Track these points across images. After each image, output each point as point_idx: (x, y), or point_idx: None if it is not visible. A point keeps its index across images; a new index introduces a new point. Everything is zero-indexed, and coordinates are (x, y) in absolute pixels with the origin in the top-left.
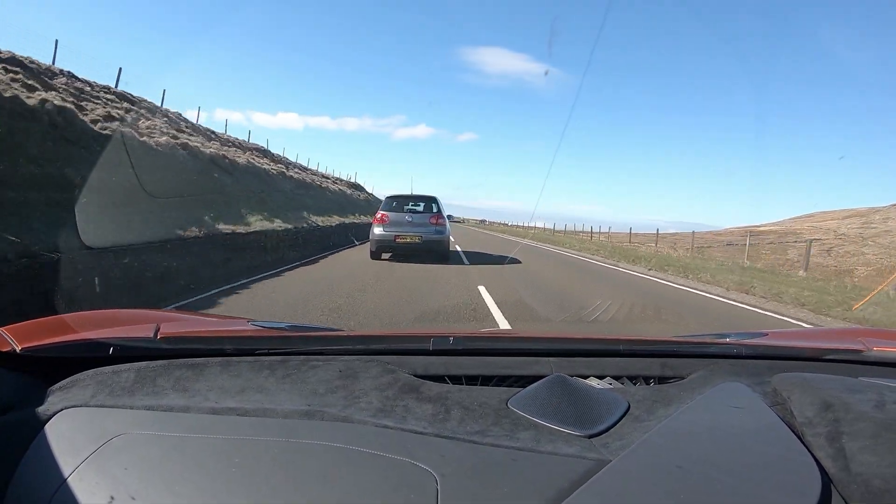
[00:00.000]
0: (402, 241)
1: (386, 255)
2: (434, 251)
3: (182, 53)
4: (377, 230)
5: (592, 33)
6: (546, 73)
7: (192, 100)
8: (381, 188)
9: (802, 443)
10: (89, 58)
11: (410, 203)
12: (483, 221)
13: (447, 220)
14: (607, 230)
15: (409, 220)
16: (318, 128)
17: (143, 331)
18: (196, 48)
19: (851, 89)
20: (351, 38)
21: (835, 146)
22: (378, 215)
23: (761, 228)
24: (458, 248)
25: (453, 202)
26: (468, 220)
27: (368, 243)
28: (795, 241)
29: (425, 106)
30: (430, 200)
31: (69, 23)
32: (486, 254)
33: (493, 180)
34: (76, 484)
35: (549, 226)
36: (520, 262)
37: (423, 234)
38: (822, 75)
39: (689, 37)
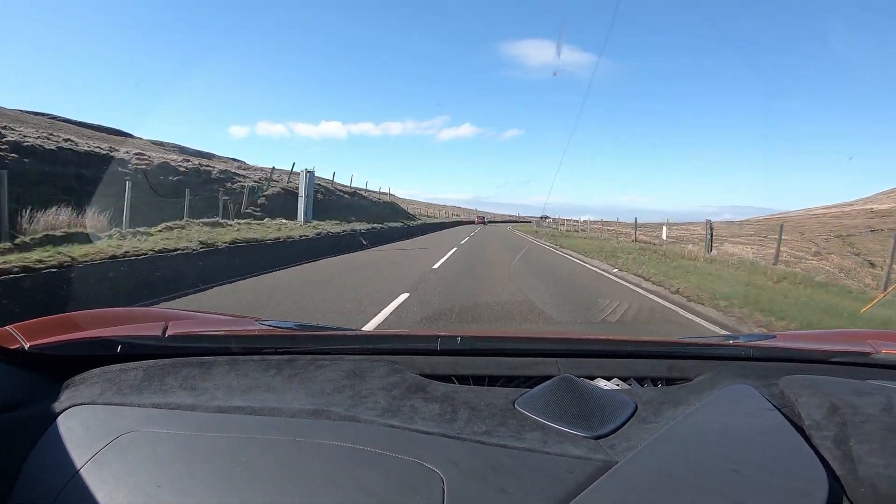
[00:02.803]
0: None
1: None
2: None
3: (224, 68)
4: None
5: (629, 18)
6: (554, 75)
7: (238, 116)
8: (428, 192)
9: (810, 445)
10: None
11: None
12: (545, 218)
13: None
14: (663, 222)
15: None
16: (362, 134)
17: (151, 329)
18: (236, 62)
19: None
20: (390, 43)
21: None
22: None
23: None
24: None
25: (500, 201)
26: (523, 217)
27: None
28: None
29: (469, 105)
30: None
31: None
32: None
33: (540, 174)
34: (84, 480)
35: (598, 218)
36: None
37: None
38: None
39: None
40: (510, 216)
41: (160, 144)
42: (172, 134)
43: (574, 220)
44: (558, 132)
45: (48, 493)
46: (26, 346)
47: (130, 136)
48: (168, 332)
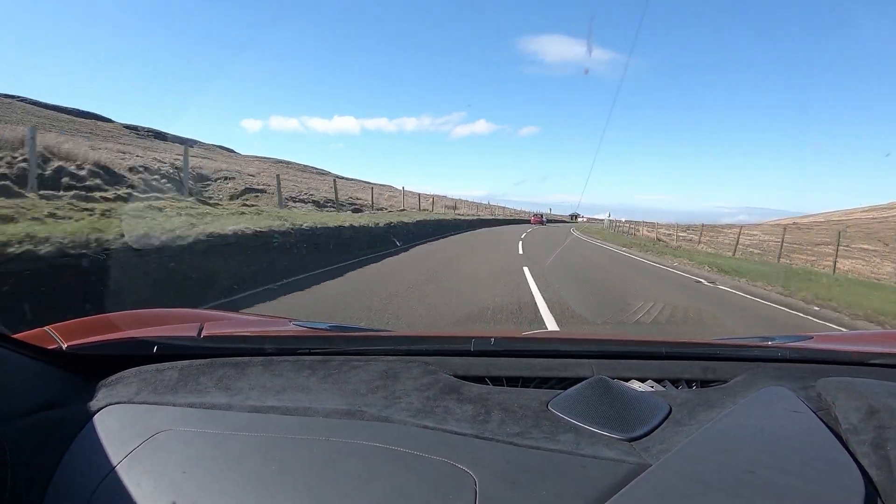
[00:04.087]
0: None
1: None
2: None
3: (237, 63)
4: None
5: (656, 16)
6: (586, 73)
7: (250, 108)
8: (442, 189)
9: (846, 449)
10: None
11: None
12: (576, 217)
13: None
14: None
15: None
16: (376, 130)
17: (186, 330)
18: (250, 57)
19: None
20: (405, 37)
21: None
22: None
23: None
24: None
25: (516, 198)
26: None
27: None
28: None
29: (485, 101)
30: None
31: None
32: None
33: (559, 172)
34: (119, 478)
35: (621, 218)
36: None
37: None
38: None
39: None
40: (538, 214)
41: (135, 129)
42: (187, 126)
43: (600, 218)
44: (577, 129)
45: (84, 490)
46: (64, 347)
47: (110, 120)
48: (203, 333)
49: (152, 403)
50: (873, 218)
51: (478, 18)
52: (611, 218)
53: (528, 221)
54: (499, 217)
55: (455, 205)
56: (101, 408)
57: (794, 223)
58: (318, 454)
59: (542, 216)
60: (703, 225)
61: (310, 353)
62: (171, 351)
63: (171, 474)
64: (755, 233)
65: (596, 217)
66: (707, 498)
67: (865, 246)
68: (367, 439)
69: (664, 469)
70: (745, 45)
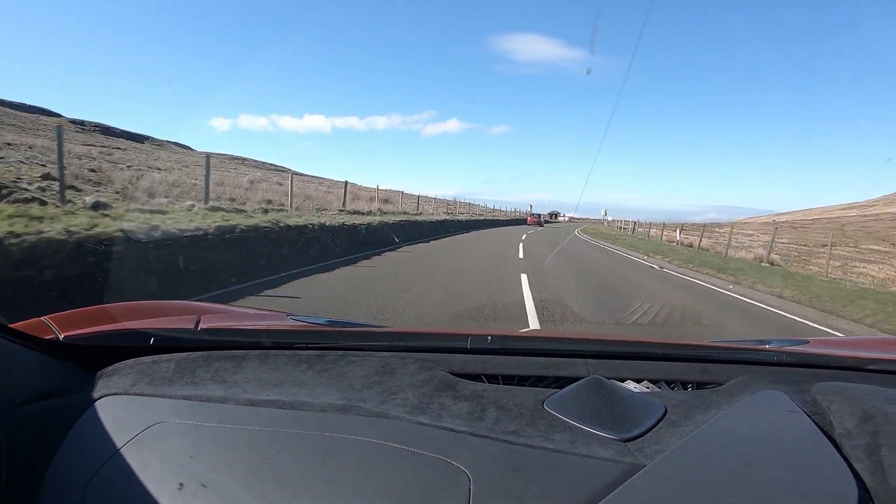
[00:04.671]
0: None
1: None
2: None
3: (205, 59)
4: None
5: (628, 17)
6: (588, 73)
7: (219, 107)
8: (412, 188)
9: (841, 454)
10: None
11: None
12: (555, 215)
13: None
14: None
15: None
16: (347, 129)
17: (183, 322)
18: (219, 54)
19: None
20: (377, 33)
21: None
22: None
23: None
24: None
25: (487, 197)
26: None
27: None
28: None
29: (456, 100)
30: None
31: None
32: None
33: (530, 171)
34: (114, 469)
35: (607, 217)
36: None
37: None
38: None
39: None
40: (535, 214)
41: (80, 124)
42: (154, 125)
43: (581, 218)
44: (550, 129)
45: (79, 481)
46: (61, 337)
47: (58, 115)
48: (200, 326)
49: (148, 395)
50: (864, 216)
51: (449, 16)
52: (608, 217)
53: (501, 224)
54: (480, 217)
55: (418, 203)
56: (98, 399)
57: (786, 221)
58: (313, 448)
59: (539, 216)
60: (704, 225)
61: (306, 348)
62: (168, 343)
63: (166, 466)
64: (751, 232)
65: (577, 217)
66: (700, 499)
67: (874, 246)
68: (362, 434)
69: (658, 470)
70: (712, 47)
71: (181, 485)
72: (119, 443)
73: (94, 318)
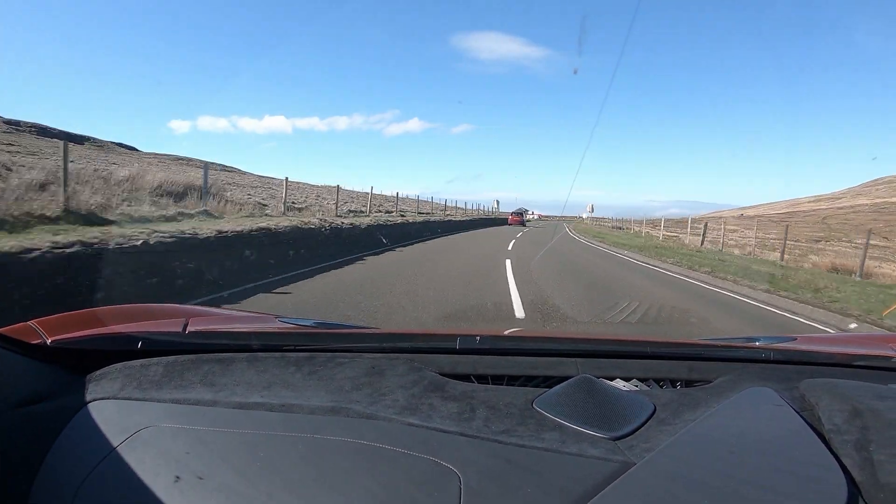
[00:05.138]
0: None
1: None
2: None
3: (164, 62)
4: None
5: (592, 15)
6: (575, 72)
7: (178, 109)
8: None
9: (830, 450)
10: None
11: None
12: (522, 213)
13: None
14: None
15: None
16: (308, 129)
17: (171, 325)
18: (177, 55)
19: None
20: (337, 32)
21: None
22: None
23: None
24: None
25: (449, 196)
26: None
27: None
28: None
29: (418, 99)
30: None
31: None
32: None
33: (493, 169)
34: (104, 474)
35: (582, 215)
36: None
37: None
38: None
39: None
40: (518, 212)
41: (16, 124)
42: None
43: (548, 216)
44: (512, 127)
45: (69, 486)
46: (48, 341)
47: None
48: (188, 329)
49: (137, 399)
50: (839, 208)
51: (412, 14)
52: (593, 215)
53: (479, 225)
54: (450, 219)
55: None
56: (86, 403)
57: (754, 215)
58: (303, 451)
59: (522, 214)
60: (691, 219)
61: (295, 350)
62: (156, 346)
63: (155, 470)
64: (733, 227)
65: (547, 216)
66: (690, 497)
67: (862, 241)
68: (351, 436)
69: (648, 468)
70: (666, 43)
71: (171, 488)
72: (108, 447)
73: (83, 322)
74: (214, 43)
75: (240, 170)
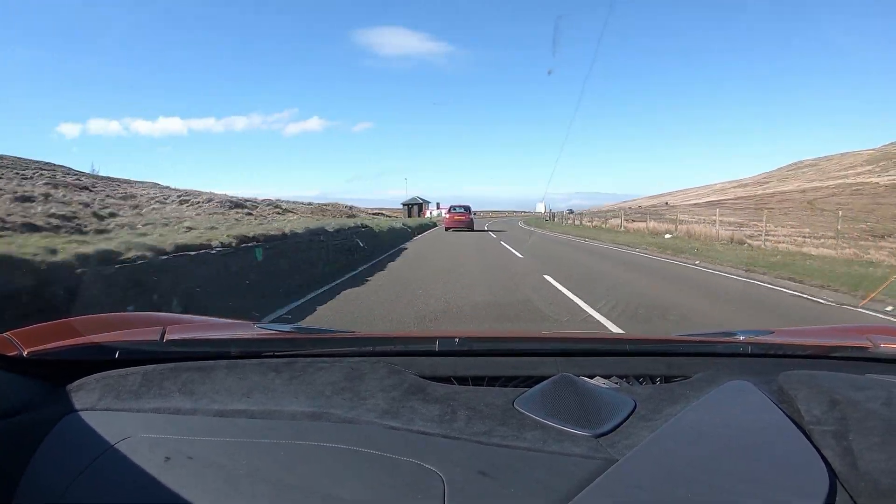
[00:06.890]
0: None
1: None
2: None
3: (43, 61)
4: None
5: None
6: (549, 73)
7: (66, 111)
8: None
9: (809, 441)
10: None
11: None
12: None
13: None
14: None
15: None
16: (204, 130)
17: (149, 334)
18: (60, 52)
19: None
20: (234, 27)
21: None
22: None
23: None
24: None
25: (350, 195)
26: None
27: None
28: None
29: (318, 97)
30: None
31: None
32: None
33: (395, 167)
34: (84, 487)
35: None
36: None
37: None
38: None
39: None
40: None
41: None
42: None
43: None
44: (413, 124)
45: (49, 498)
46: (24, 353)
47: None
48: (166, 337)
49: (116, 410)
50: (770, 194)
51: (310, 7)
52: (563, 210)
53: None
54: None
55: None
56: (65, 415)
57: (676, 205)
58: (285, 457)
59: (466, 212)
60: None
61: (274, 356)
62: (134, 356)
63: (136, 481)
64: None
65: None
66: (673, 491)
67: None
68: (334, 441)
69: (631, 464)
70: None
71: (152, 498)
72: (88, 459)
73: (59, 333)
74: (102, 37)
75: (109, 176)
